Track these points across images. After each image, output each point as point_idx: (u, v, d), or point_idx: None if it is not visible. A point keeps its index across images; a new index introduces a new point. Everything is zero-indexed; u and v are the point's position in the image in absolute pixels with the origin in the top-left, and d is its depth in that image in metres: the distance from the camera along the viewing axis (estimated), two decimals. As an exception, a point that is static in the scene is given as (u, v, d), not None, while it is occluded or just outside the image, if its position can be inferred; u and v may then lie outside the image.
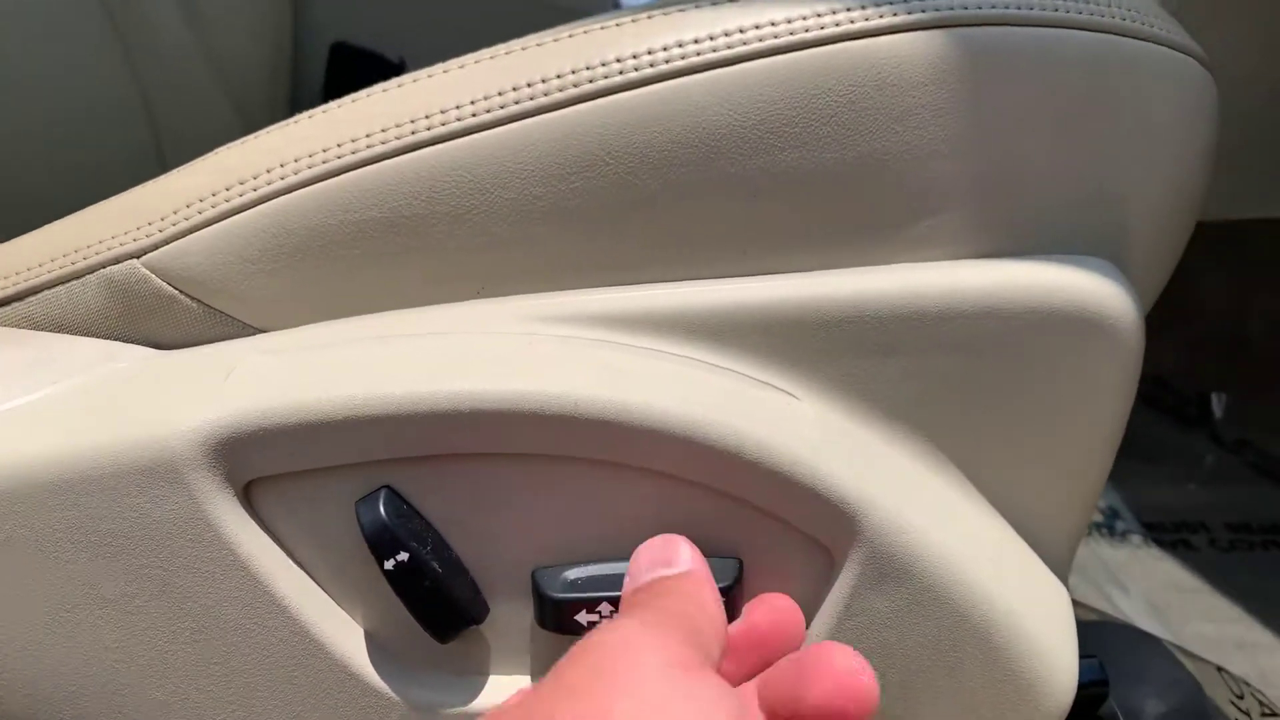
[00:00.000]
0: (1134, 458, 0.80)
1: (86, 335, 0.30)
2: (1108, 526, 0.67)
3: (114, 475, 0.25)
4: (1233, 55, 0.81)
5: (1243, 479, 0.77)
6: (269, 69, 0.76)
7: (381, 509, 0.25)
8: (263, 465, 0.26)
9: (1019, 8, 0.28)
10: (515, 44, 0.29)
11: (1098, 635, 0.39)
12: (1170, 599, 0.60)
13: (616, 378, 0.26)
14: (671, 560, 0.23)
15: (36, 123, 0.58)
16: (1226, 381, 0.88)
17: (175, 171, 0.31)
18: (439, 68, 0.30)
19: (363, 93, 0.30)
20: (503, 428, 0.25)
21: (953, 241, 0.29)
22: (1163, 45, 0.30)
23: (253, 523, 0.26)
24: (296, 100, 0.80)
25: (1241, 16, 0.80)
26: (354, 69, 0.79)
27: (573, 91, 0.27)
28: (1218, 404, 0.87)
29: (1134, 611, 0.62)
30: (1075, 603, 0.33)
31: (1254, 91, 0.82)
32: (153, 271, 0.29)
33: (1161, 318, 0.92)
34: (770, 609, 0.26)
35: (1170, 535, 0.66)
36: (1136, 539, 0.66)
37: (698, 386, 0.27)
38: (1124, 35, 0.29)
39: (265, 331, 0.30)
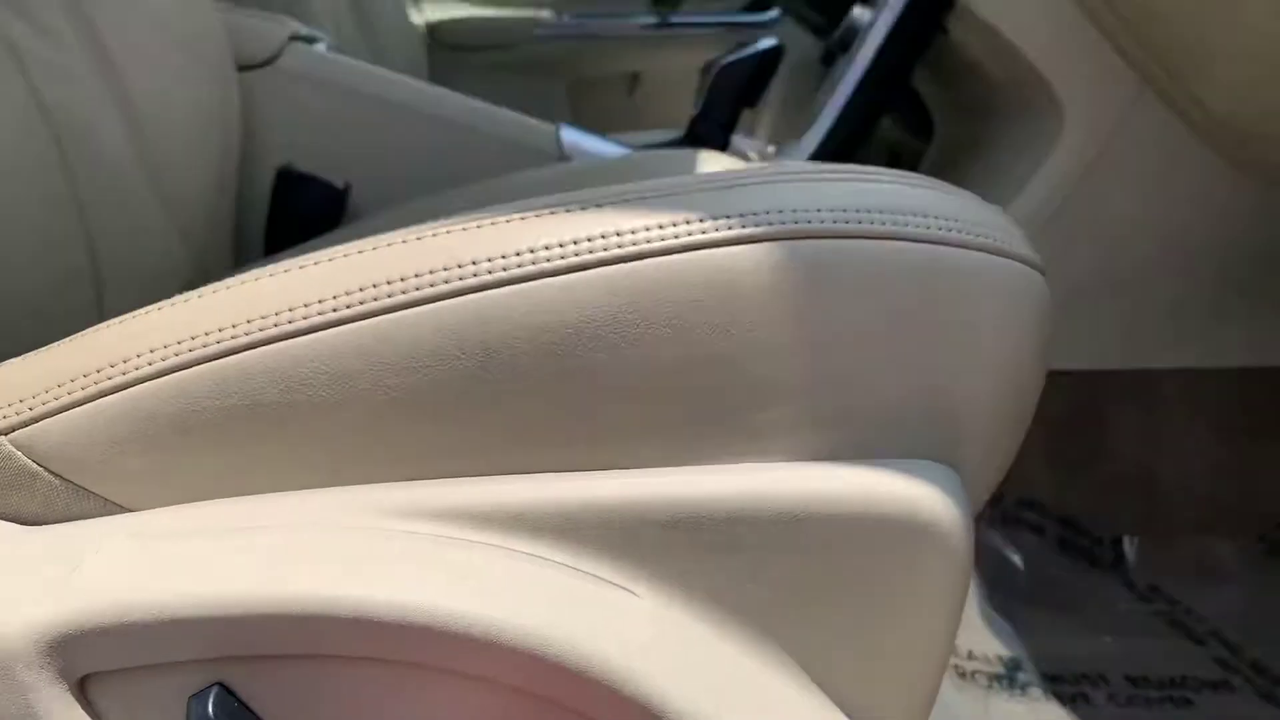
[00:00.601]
0: (1045, 606, 0.81)
1: (-51, 508, 0.31)
2: (1009, 678, 0.68)
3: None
4: (1137, 217, 0.86)
5: (1150, 629, 0.78)
6: (214, 192, 0.78)
7: (211, 707, 0.26)
8: (99, 661, 0.26)
9: (849, 222, 0.30)
10: (380, 240, 0.31)
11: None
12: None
13: (456, 582, 0.27)
14: None
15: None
16: (1140, 526, 0.90)
17: (49, 348, 0.32)
18: (308, 259, 0.32)
19: (236, 280, 0.32)
20: (336, 632, 0.26)
21: (792, 441, 0.31)
22: (990, 254, 0.32)
23: (87, 718, 0.26)
24: (241, 224, 0.82)
25: (1143, 181, 0.85)
26: (299, 193, 0.82)
27: (429, 291, 0.29)
28: (1130, 548, 0.89)
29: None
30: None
31: (1156, 249, 0.87)
32: (18, 448, 0.30)
33: (1075, 459, 0.95)
34: None
35: (1070, 688, 0.66)
36: (1036, 691, 0.66)
37: (538, 588, 0.28)
38: (951, 246, 0.31)
39: (127, 509, 0.31)
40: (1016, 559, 0.85)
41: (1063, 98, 0.84)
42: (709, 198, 0.30)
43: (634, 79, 1.82)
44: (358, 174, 0.85)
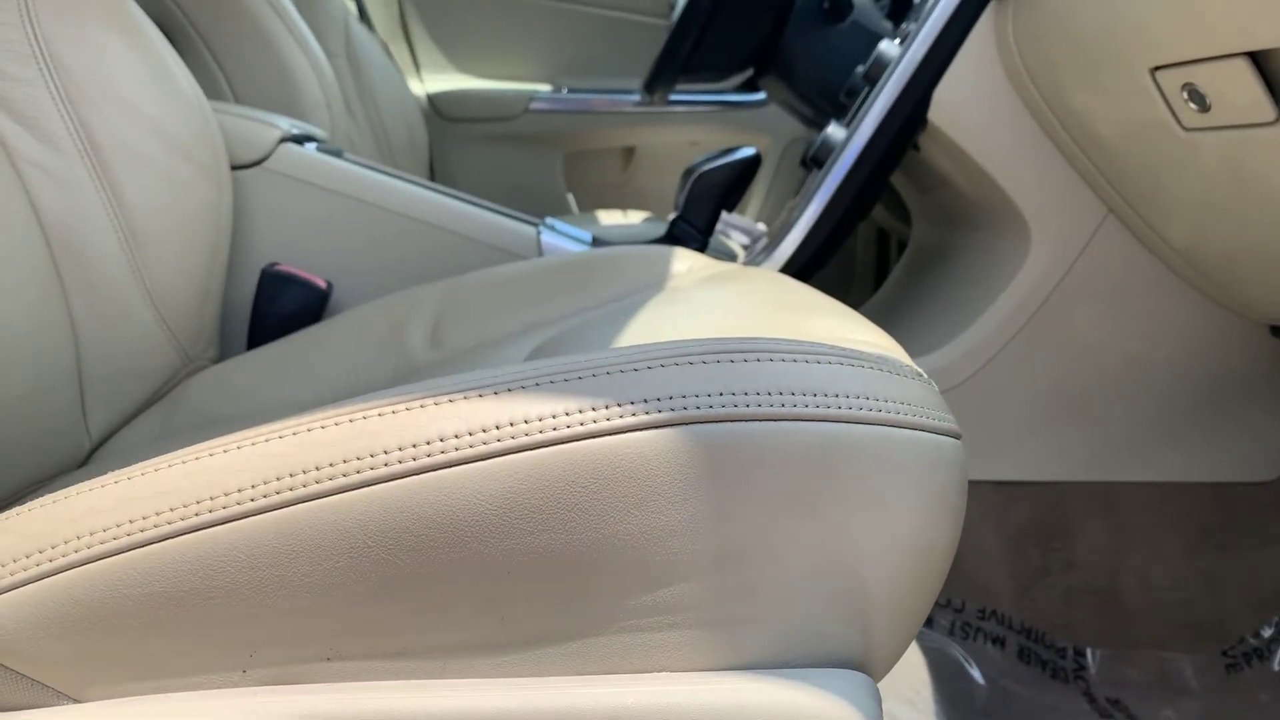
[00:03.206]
0: (1004, 719, 0.82)
1: (-107, 696, 0.32)
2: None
3: None
4: (1103, 336, 0.88)
5: (1106, 748, 0.79)
6: (201, 291, 0.80)
7: None
8: None
9: (744, 405, 0.32)
10: (289, 427, 0.33)
11: None
12: None
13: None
14: None
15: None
16: (1103, 637, 0.91)
17: None
18: (230, 441, 0.33)
19: (162, 462, 0.33)
20: None
21: (704, 642, 0.32)
22: (896, 427, 0.33)
23: None
24: (225, 320, 0.84)
25: (1108, 301, 0.87)
26: (282, 293, 0.84)
27: (340, 481, 0.31)
28: (1093, 660, 0.90)
29: None
30: None
31: (1121, 367, 0.89)
32: (-44, 635, 0.32)
33: (1038, 570, 0.96)
34: None
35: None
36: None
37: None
38: (852, 423, 0.32)
39: (65, 694, 0.32)
40: (975, 672, 0.86)
41: (1030, 219, 0.86)
42: (612, 383, 0.32)
43: (628, 153, 1.86)
44: (340, 272, 0.87)
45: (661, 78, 1.29)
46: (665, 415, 0.31)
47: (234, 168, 0.86)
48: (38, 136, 0.70)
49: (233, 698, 0.31)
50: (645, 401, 0.31)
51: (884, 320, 1.08)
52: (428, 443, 0.31)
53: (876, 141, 0.87)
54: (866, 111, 0.87)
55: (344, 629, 0.31)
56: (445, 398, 0.32)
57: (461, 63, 1.85)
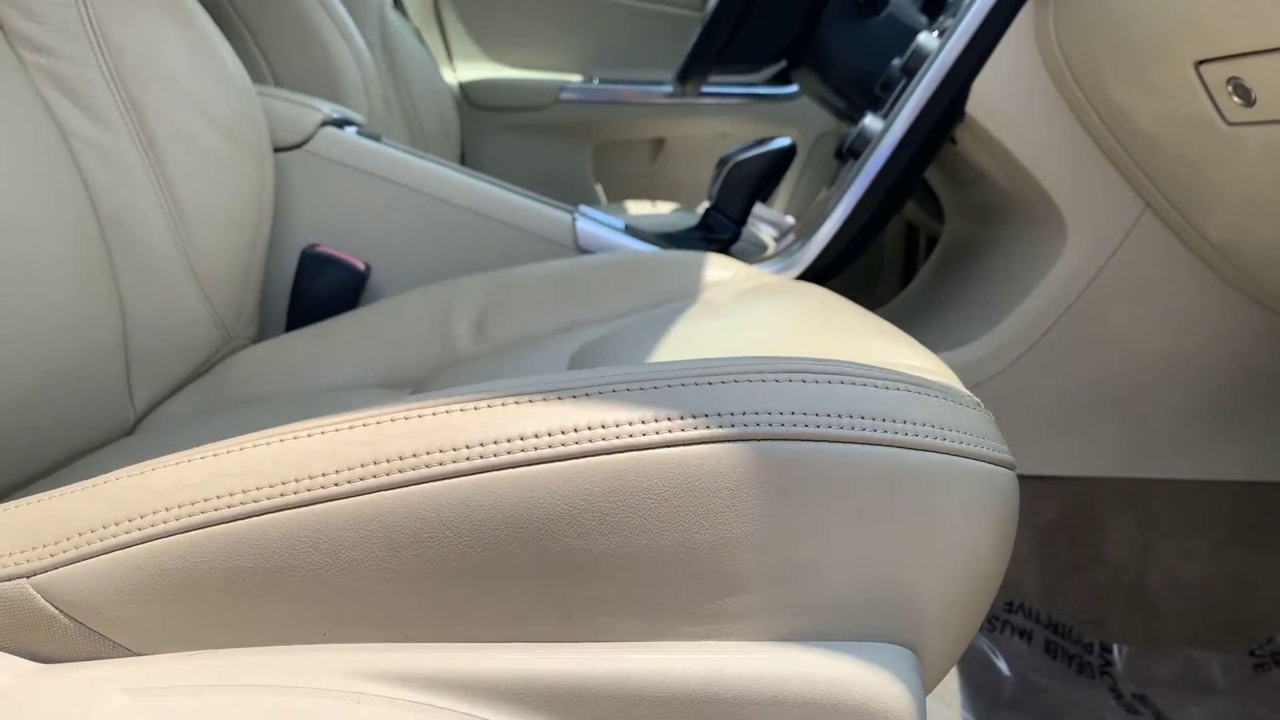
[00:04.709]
0: (1029, 713, 0.82)
1: (-27, 641, 0.33)
2: (984, 795, 0.69)
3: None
4: (1137, 332, 0.87)
5: (1133, 743, 0.79)
6: (243, 270, 0.81)
7: None
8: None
9: (813, 426, 0.32)
10: (373, 416, 0.34)
11: None
12: None
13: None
14: None
15: (6, 326, 0.63)
16: (1130, 634, 0.91)
17: (65, 493, 0.35)
18: (314, 426, 0.34)
19: (247, 441, 0.34)
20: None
21: (755, 624, 0.33)
22: (955, 456, 0.34)
23: None
24: (265, 300, 0.85)
25: (1144, 297, 0.87)
26: (322, 274, 0.85)
27: (423, 472, 0.32)
28: (1119, 656, 0.90)
29: None
30: None
31: (1155, 364, 0.88)
32: (38, 592, 0.33)
33: (1067, 565, 0.96)
34: None
35: (1045, 807, 0.67)
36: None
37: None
38: (916, 450, 0.33)
39: (133, 652, 0.33)
40: (1002, 664, 0.86)
41: (1066, 214, 0.86)
42: (688, 395, 0.33)
43: (657, 145, 1.86)
44: (378, 255, 0.88)
45: (695, 69, 1.30)
46: (738, 430, 0.32)
47: (276, 150, 0.87)
48: (90, 115, 0.72)
49: (301, 653, 0.32)
50: (720, 416, 0.32)
51: (916, 314, 1.08)
52: (508, 440, 0.31)
53: (914, 133, 0.87)
54: (904, 103, 0.87)
55: (415, 614, 0.32)
56: (525, 398, 0.33)
57: (494, 52, 1.86)
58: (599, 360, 0.62)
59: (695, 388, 0.33)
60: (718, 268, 0.78)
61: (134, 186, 0.73)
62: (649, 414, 0.32)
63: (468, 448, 0.32)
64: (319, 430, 0.34)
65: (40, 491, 0.36)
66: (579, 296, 0.76)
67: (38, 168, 0.66)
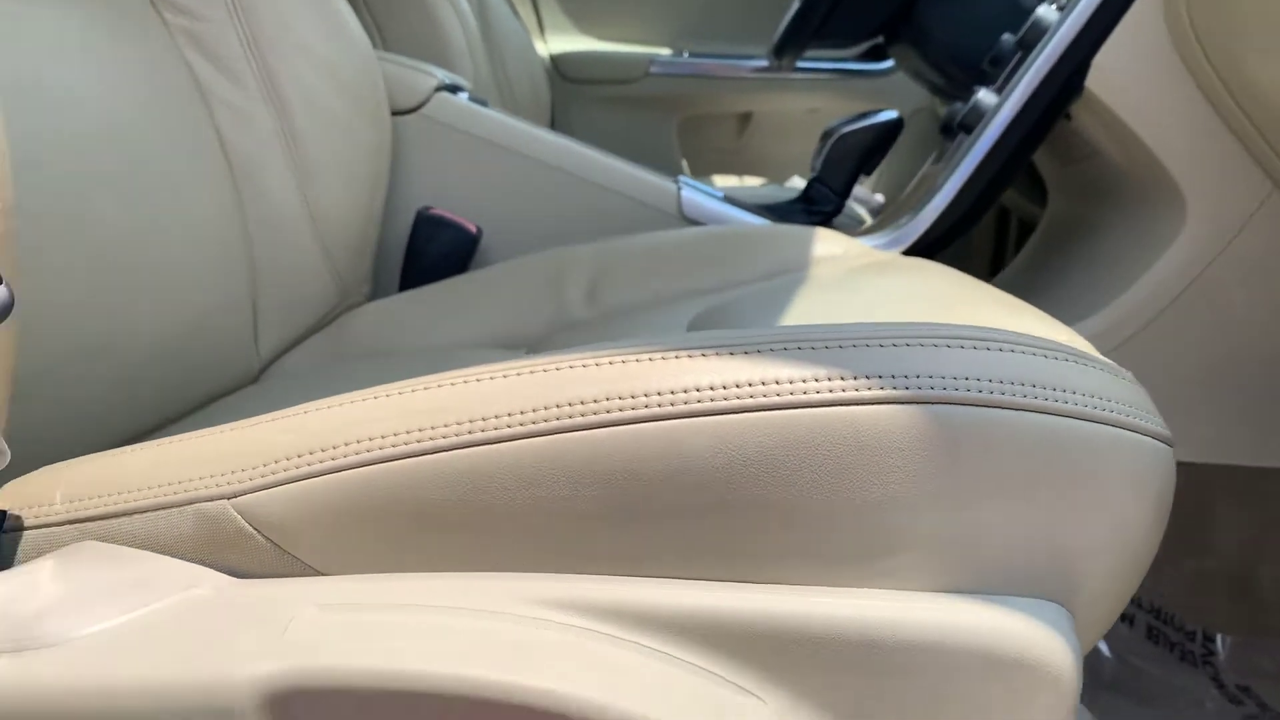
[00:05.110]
0: (1129, 696, 0.81)
1: (177, 556, 0.36)
2: (1087, 772, 0.68)
3: (183, 712, 0.30)
4: (1255, 317, 0.85)
5: (1237, 732, 0.77)
6: (361, 228, 0.84)
7: (395, 768, 0.30)
8: (306, 716, 0.31)
9: (987, 392, 0.33)
10: (564, 361, 0.35)
11: None
12: None
13: (610, 678, 0.31)
14: None
15: (149, 274, 0.65)
16: (1234, 624, 0.89)
17: (257, 422, 0.37)
18: (496, 369, 0.35)
19: (431, 381, 0.36)
20: (505, 714, 0.30)
21: (917, 576, 0.33)
22: (1121, 429, 0.34)
23: (289, 766, 0.30)
24: (379, 257, 0.88)
25: (1266, 279, 0.85)
26: (435, 235, 0.87)
27: (604, 417, 0.33)
28: (1223, 646, 0.88)
29: None
30: None
31: (1271, 348, 0.86)
32: (238, 513, 0.35)
33: (1173, 551, 0.95)
34: None
35: (1149, 788, 0.67)
36: (1114, 788, 0.67)
37: (677, 689, 0.31)
38: (1078, 419, 0.33)
39: (322, 574, 0.35)
40: (1102, 645, 0.85)
41: (1187, 194, 0.84)
42: (864, 356, 0.33)
43: (744, 120, 1.85)
44: (489, 218, 0.90)
45: (792, 43, 1.29)
46: (913, 393, 0.32)
47: (392, 113, 0.90)
48: (226, 74, 0.74)
49: (481, 580, 0.34)
50: (895, 378, 0.32)
51: (1017, 295, 1.07)
52: (684, 391, 0.32)
53: (1030, 108, 0.85)
54: (1021, 78, 0.86)
55: (591, 550, 0.33)
56: (698, 352, 0.34)
57: (584, 24, 1.87)
58: (720, 328, 0.62)
59: (870, 349, 0.34)
60: (829, 242, 0.78)
61: (264, 143, 0.76)
62: (824, 373, 0.33)
63: (646, 395, 0.33)
64: (501, 374, 0.35)
65: (175, 432, 0.38)
66: (690, 266, 0.76)
67: (181, 122, 0.69)
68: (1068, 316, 0.91)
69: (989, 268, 1.62)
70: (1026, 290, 1.06)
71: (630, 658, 0.32)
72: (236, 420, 0.38)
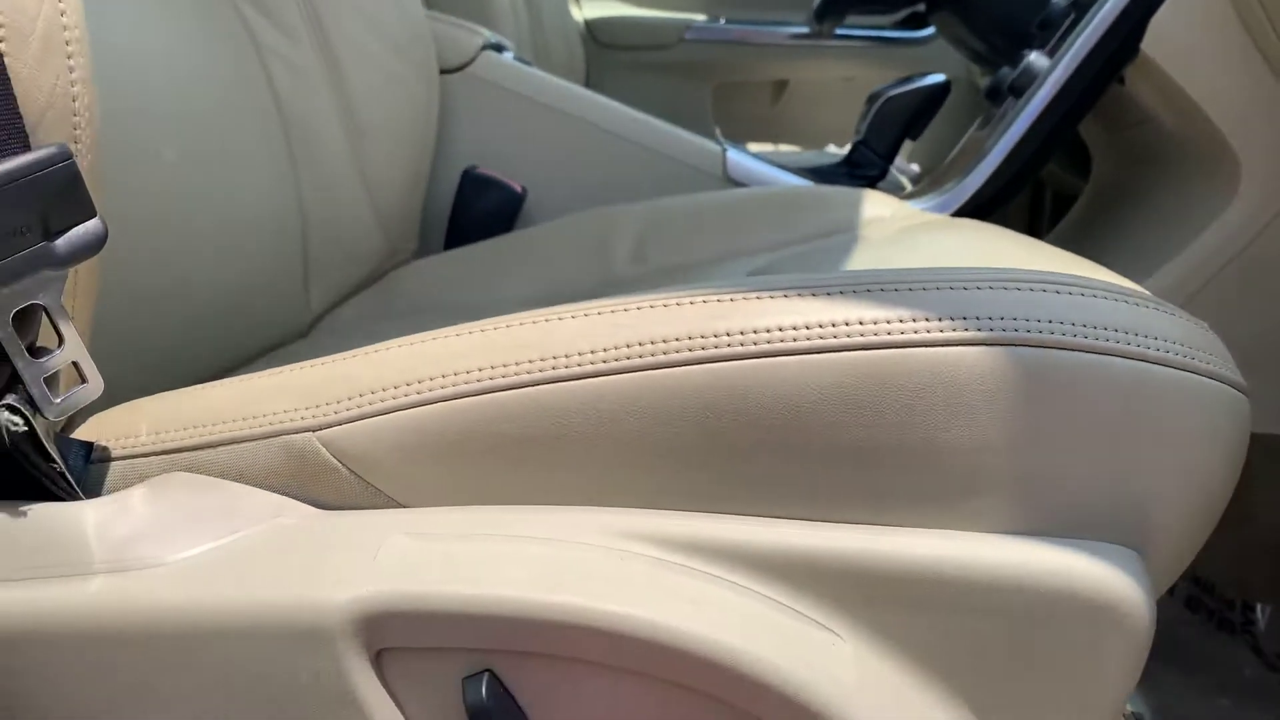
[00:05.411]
0: (1169, 663, 0.82)
1: (263, 488, 0.37)
2: (1128, 734, 0.69)
3: (275, 632, 0.31)
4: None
5: (1273, 698, 0.78)
6: (409, 185, 0.84)
7: (484, 690, 0.31)
8: (394, 639, 0.31)
9: (1069, 335, 0.33)
10: (644, 301, 0.35)
11: None
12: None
13: (693, 608, 0.31)
14: None
15: (208, 225, 0.66)
16: (1274, 594, 0.89)
17: (350, 358, 0.37)
18: (577, 309, 0.36)
19: (514, 319, 0.36)
20: (591, 641, 0.31)
21: (993, 517, 0.34)
22: (1197, 374, 0.34)
23: (381, 687, 0.31)
24: (427, 214, 0.88)
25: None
26: (481, 194, 0.87)
27: (685, 355, 0.33)
28: (1263, 615, 0.88)
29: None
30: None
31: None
32: (324, 445, 0.36)
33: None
34: None
35: (1188, 750, 0.67)
36: (1154, 750, 0.67)
37: (760, 622, 0.32)
38: (1164, 366, 0.34)
39: (405, 506, 0.36)
40: (1142, 614, 0.85)
41: (1242, 159, 0.83)
42: (944, 297, 0.33)
43: (780, 87, 1.84)
44: (534, 178, 0.90)
45: (834, 8, 1.27)
46: (994, 335, 0.32)
47: (441, 71, 0.90)
48: (280, 28, 0.75)
49: (565, 513, 0.34)
50: (977, 319, 0.32)
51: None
52: (767, 330, 0.33)
53: (1083, 71, 0.84)
54: (1075, 40, 0.85)
55: (673, 485, 0.34)
56: (780, 293, 0.34)
57: (620, -12, 1.86)
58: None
59: (950, 291, 0.34)
60: (878, 204, 0.77)
61: (316, 99, 0.76)
62: (905, 314, 0.33)
63: (728, 335, 0.33)
64: (583, 313, 0.35)
65: None
66: (739, 226, 0.76)
67: (237, 78, 0.70)
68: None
69: (1025, 239, 1.60)
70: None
71: (710, 589, 0.32)
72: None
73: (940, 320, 0.33)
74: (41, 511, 0.34)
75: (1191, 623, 0.85)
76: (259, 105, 0.72)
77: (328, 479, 0.36)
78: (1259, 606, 0.89)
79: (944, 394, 0.32)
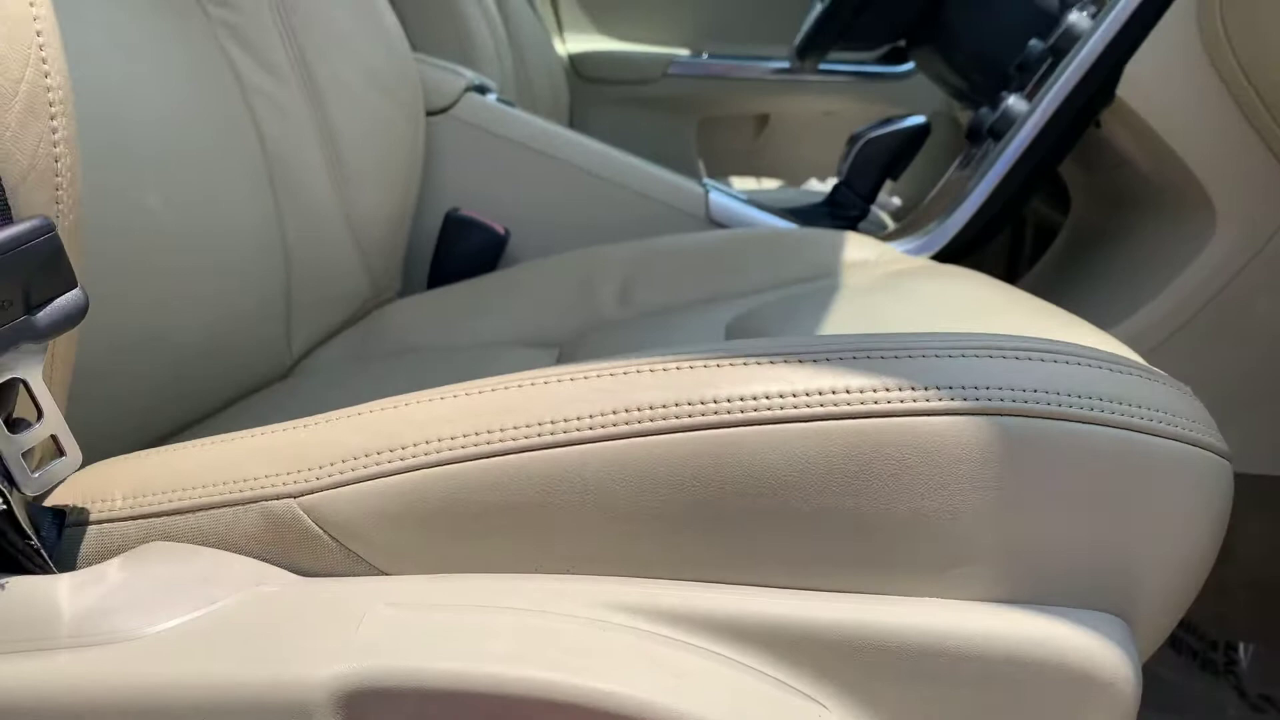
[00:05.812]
0: (1150, 704, 0.81)
1: (243, 553, 0.36)
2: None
3: (254, 707, 0.31)
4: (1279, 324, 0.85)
5: (1260, 742, 0.78)
6: (394, 226, 0.84)
7: (467, 767, 0.30)
8: (376, 715, 0.31)
9: (1052, 404, 0.33)
10: (630, 365, 0.35)
11: None
12: None
13: (674, 681, 0.31)
14: None
15: (188, 266, 0.66)
16: (1257, 633, 0.90)
17: (334, 421, 0.37)
18: (563, 372, 0.36)
19: (499, 382, 0.36)
20: (574, 716, 0.30)
21: (977, 585, 0.33)
22: (1183, 442, 0.34)
23: (364, 764, 0.31)
24: (410, 255, 0.88)
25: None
26: (464, 236, 0.87)
27: (673, 423, 0.33)
28: (1245, 655, 0.88)
29: None
30: None
31: (1302, 361, 0.86)
32: (305, 511, 0.35)
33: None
34: None
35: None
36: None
37: (741, 693, 0.31)
38: (1147, 434, 0.34)
39: (387, 574, 0.35)
40: (1125, 655, 0.86)
41: (1217, 203, 0.84)
42: (929, 366, 0.33)
43: (761, 121, 1.85)
44: (516, 220, 0.90)
45: (817, 44, 1.29)
46: (979, 405, 0.32)
47: (425, 113, 0.90)
48: (265, 67, 0.75)
49: (546, 582, 0.34)
50: (961, 389, 0.32)
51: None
52: (753, 398, 0.32)
53: (1061, 115, 0.85)
54: (1052, 84, 0.86)
55: (655, 554, 0.33)
56: (767, 359, 0.34)
57: (603, 23, 1.87)
58: (760, 332, 0.63)
59: (936, 359, 0.34)
60: (861, 247, 0.78)
61: (301, 138, 0.76)
62: (891, 382, 0.33)
63: (715, 401, 0.33)
64: (569, 377, 0.35)
65: (210, 429, 0.38)
66: (723, 268, 0.77)
67: (222, 118, 0.70)
68: (1093, 325, 0.91)
69: (1005, 274, 1.62)
70: (1050, 298, 1.06)
71: (695, 661, 0.32)
72: (269, 416, 0.39)
73: (926, 389, 0.33)
74: (14, 586, 0.34)
75: (1174, 663, 0.85)
76: (243, 145, 0.71)
77: (309, 546, 0.35)
78: (1242, 646, 0.89)
79: (930, 463, 0.32)
